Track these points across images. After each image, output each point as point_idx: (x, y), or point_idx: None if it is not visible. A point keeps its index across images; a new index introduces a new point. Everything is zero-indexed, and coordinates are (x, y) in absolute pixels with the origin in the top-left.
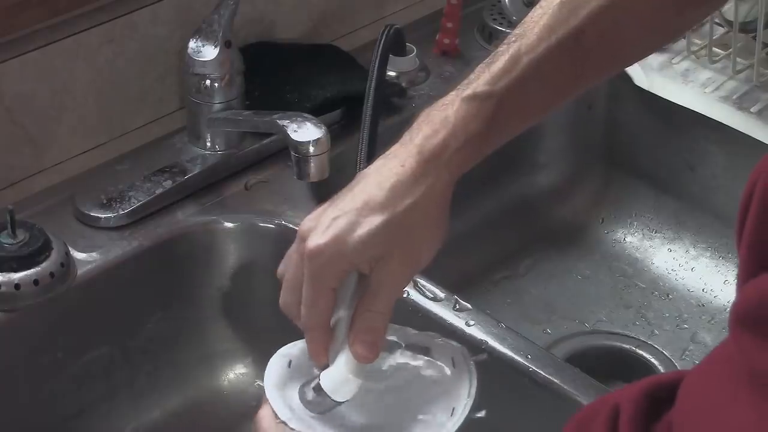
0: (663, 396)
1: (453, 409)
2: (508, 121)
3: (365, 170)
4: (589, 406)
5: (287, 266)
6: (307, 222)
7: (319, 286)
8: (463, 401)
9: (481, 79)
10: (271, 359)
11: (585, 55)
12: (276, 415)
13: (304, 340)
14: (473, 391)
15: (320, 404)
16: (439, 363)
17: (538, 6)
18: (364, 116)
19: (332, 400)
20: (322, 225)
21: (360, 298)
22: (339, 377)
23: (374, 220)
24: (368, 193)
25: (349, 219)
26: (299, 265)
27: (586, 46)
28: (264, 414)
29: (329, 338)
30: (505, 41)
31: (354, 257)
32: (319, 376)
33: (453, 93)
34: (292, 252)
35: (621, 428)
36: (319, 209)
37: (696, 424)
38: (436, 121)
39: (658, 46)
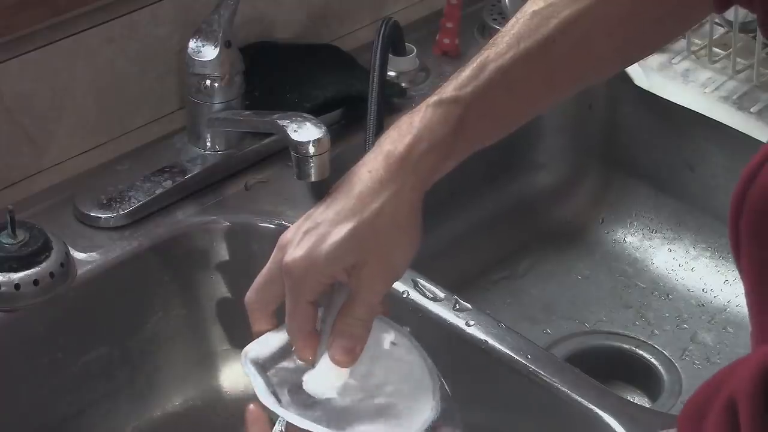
0: None
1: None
2: (476, 128)
3: (339, 181)
4: (699, 394)
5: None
6: (287, 234)
7: (297, 299)
8: (410, 347)
9: (449, 86)
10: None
11: (555, 65)
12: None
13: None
14: (406, 331)
15: (305, 398)
16: None
17: (513, 16)
18: (369, 109)
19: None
20: (296, 239)
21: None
22: (320, 379)
23: (342, 230)
24: (338, 202)
25: (320, 231)
26: (271, 268)
27: (556, 55)
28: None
29: (314, 341)
30: (480, 51)
31: (327, 270)
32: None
33: (423, 102)
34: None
35: (743, 429)
36: (299, 221)
37: None
38: (403, 127)
39: (633, 60)
